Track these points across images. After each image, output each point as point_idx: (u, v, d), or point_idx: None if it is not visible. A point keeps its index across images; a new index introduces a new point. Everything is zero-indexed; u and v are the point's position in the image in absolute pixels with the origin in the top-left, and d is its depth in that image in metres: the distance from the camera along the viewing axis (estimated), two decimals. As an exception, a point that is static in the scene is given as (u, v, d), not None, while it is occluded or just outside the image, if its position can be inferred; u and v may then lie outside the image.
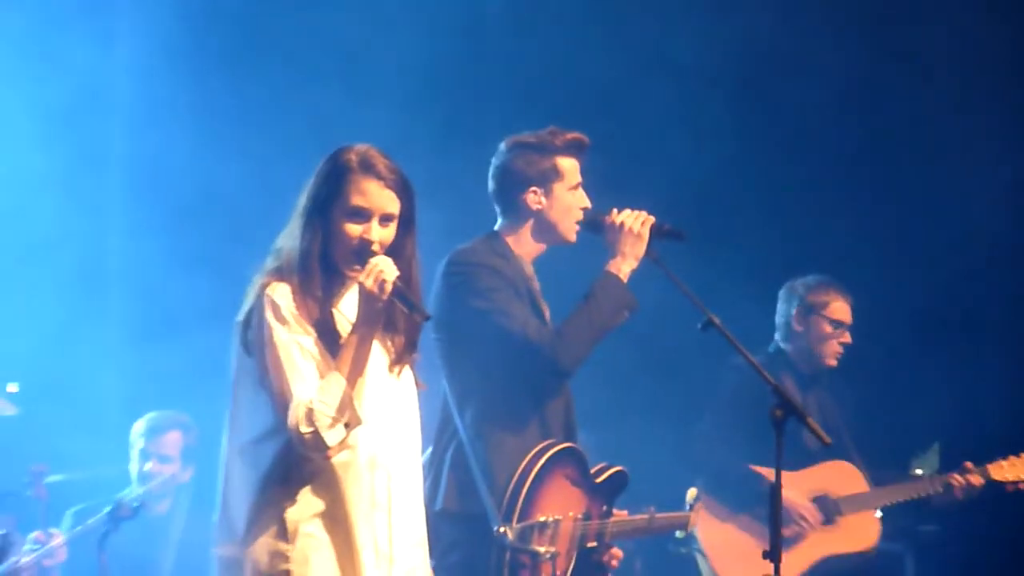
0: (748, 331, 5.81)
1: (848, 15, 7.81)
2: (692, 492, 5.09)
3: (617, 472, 4.71)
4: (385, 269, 3.53)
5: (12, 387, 7.34)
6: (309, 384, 3.56)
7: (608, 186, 5.68)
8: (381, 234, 3.61)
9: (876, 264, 7.61)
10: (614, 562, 4.66)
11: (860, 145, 7.93)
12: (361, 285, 3.57)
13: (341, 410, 3.52)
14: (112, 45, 7.76)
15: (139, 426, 6.75)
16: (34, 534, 6.17)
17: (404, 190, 3.67)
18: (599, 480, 4.64)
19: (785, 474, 5.39)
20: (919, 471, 6.21)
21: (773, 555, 4.13)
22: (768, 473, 5.28)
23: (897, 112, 7.82)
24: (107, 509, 6.09)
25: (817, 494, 5.86)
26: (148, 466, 6.41)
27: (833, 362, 6.01)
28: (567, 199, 4.73)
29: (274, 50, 7.78)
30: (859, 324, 6.59)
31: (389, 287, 3.51)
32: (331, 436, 3.52)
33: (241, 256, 3.89)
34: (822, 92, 7.70)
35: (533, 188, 4.69)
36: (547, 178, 4.72)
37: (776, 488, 4.18)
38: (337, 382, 3.52)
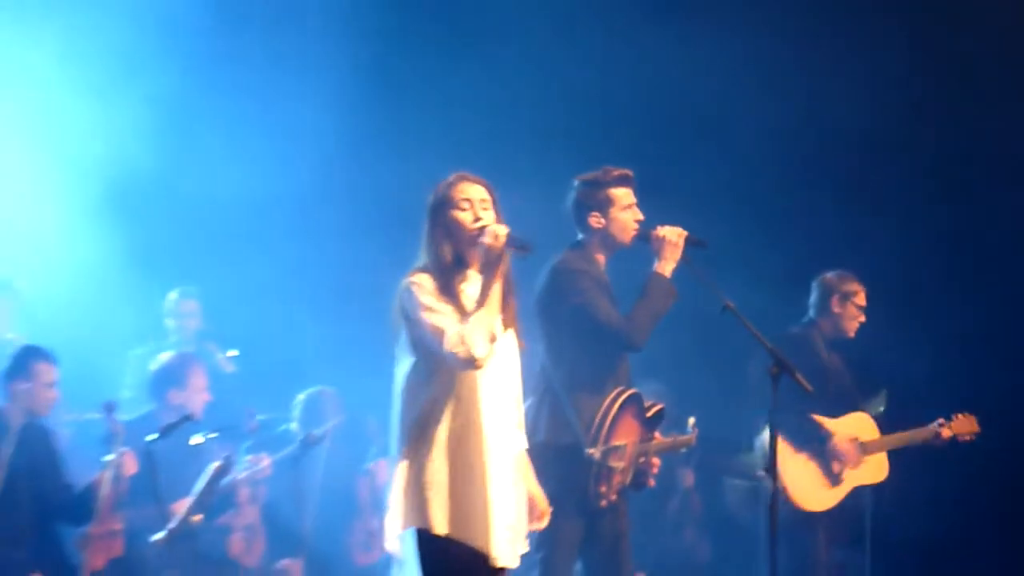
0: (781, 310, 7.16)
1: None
2: (691, 420, 6.04)
3: (660, 408, 5.73)
4: (499, 229, 4.37)
5: (232, 352, 8.64)
6: (454, 322, 4.31)
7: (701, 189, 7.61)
8: (486, 216, 4.43)
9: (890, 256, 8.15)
10: (654, 469, 5.71)
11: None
12: (482, 244, 4.36)
13: (485, 329, 4.33)
14: (304, 80, 8.65)
15: (301, 399, 7.99)
16: (248, 457, 7.29)
17: (489, 186, 4.54)
18: (649, 415, 5.63)
19: (827, 421, 6.76)
20: (870, 411, 7.02)
21: (771, 472, 5.36)
22: (823, 421, 6.70)
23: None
24: (300, 438, 7.33)
25: (849, 438, 6.77)
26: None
27: (852, 334, 6.87)
28: (621, 218, 5.63)
29: (424, 94, 8.66)
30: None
31: (504, 238, 4.34)
32: (479, 350, 4.30)
33: (401, 251, 4.68)
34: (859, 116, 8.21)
35: (593, 213, 5.63)
36: (603, 205, 5.66)
37: (772, 428, 5.38)
38: (478, 312, 4.34)
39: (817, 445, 6.78)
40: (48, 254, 8.34)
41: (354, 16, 8.59)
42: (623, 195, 5.64)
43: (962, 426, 7.03)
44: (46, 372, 6.47)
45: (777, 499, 5.56)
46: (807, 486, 6.80)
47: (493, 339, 4.38)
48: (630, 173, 5.72)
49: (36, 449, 6.53)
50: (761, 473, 6.64)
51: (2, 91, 8.34)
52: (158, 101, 8.29)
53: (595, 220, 5.61)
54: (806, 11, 8.33)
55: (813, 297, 7.02)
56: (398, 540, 4.50)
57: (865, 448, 6.81)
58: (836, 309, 6.89)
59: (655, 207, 5.87)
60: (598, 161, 5.93)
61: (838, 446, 6.80)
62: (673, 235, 5.57)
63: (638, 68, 8.44)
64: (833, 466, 6.77)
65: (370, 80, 8.74)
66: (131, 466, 6.59)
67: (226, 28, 8.62)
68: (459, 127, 8.44)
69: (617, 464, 5.52)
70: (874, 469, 6.87)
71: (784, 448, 6.68)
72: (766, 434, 6.36)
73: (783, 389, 5.76)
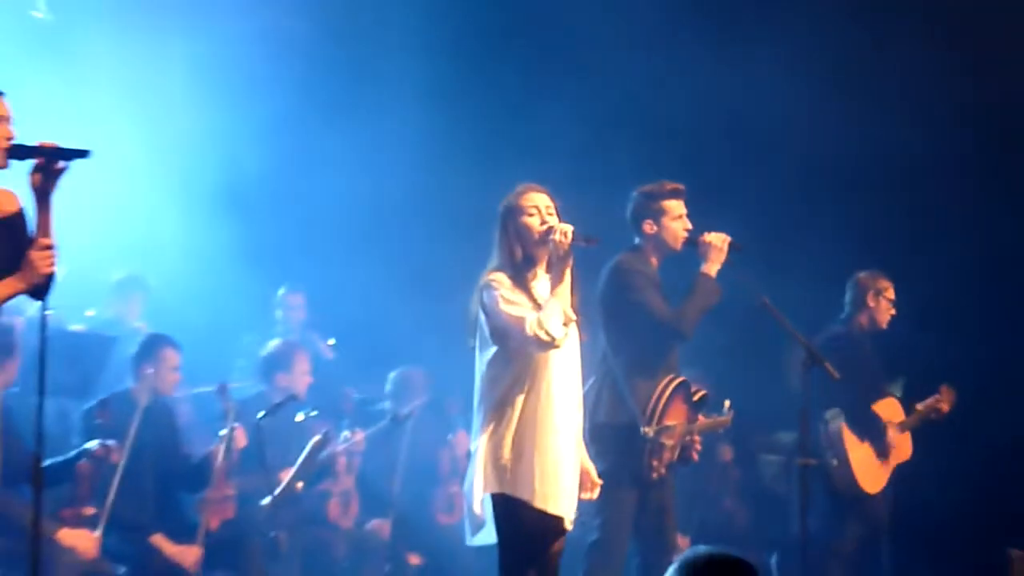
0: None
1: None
2: (727, 403, 6.32)
3: (704, 393, 6.05)
4: (565, 227, 4.72)
5: (331, 341, 9.02)
6: (531, 311, 4.66)
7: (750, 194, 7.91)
8: (552, 220, 4.77)
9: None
10: (697, 446, 6.02)
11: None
12: (552, 241, 4.69)
13: (560, 313, 4.68)
14: (396, 96, 8.92)
15: (392, 376, 8.20)
16: (345, 432, 7.58)
17: (551, 195, 4.85)
18: (695, 399, 5.97)
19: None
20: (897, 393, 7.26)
21: (804, 453, 5.82)
22: (879, 409, 7.00)
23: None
24: (390, 415, 7.62)
25: (887, 421, 7.05)
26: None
27: (885, 326, 7.15)
28: (672, 226, 5.92)
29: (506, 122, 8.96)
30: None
31: (571, 235, 4.69)
32: (557, 331, 4.66)
33: (477, 250, 5.03)
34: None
35: (648, 220, 5.93)
36: (657, 214, 5.95)
37: (804, 414, 5.85)
38: (551, 299, 4.67)
39: (876, 432, 7.03)
40: (172, 252, 8.49)
41: (438, 37, 8.83)
42: (675, 206, 5.95)
43: (948, 397, 7.26)
44: (171, 357, 6.64)
45: (807, 475, 5.96)
46: (868, 469, 7.04)
47: (567, 322, 4.71)
48: (682, 187, 6.03)
49: (160, 424, 6.66)
50: (834, 462, 6.97)
51: (133, 99, 8.45)
52: (269, 112, 8.60)
53: (649, 227, 5.92)
54: (856, 28, 8.42)
55: (849, 295, 7.26)
56: (481, 504, 4.83)
57: (899, 429, 7.08)
58: (871, 303, 7.12)
59: (709, 212, 6.12)
60: (660, 171, 6.19)
61: (890, 432, 7.03)
62: (718, 240, 5.88)
63: (698, 85, 8.55)
64: (886, 450, 7.05)
65: (452, 96, 8.93)
66: (242, 440, 6.78)
67: (330, 48, 8.94)
68: (530, 138, 8.63)
69: (668, 442, 5.80)
70: (903, 449, 7.14)
71: (850, 436, 7.01)
72: (834, 423, 7.00)
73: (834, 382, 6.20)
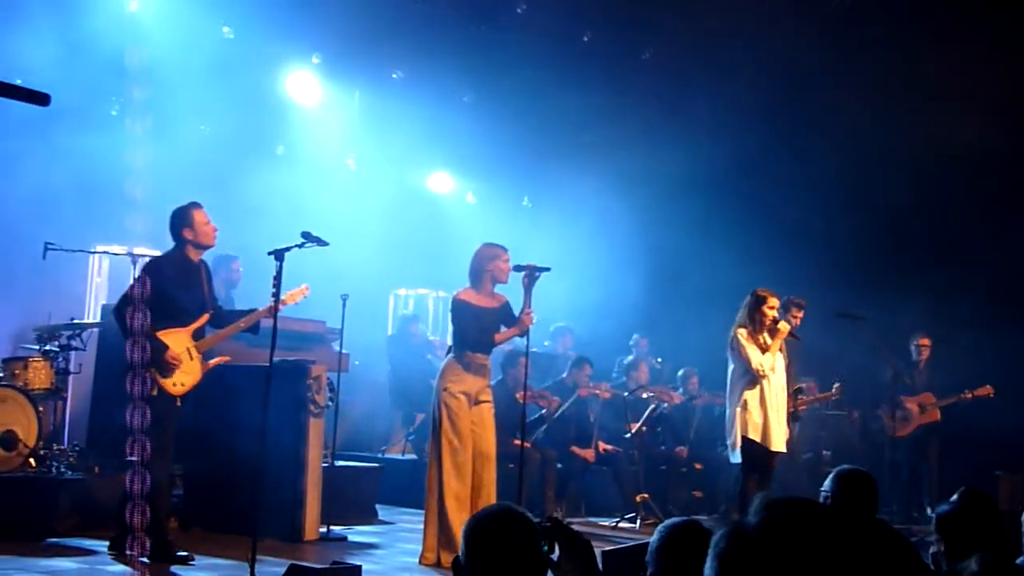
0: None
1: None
2: (836, 385, 9.24)
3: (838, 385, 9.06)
4: (783, 324, 7.14)
5: (659, 360, 11.35)
6: (758, 354, 7.08)
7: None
8: (777, 315, 7.36)
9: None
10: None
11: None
12: (776, 328, 7.09)
13: (770, 360, 7.06)
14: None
15: (680, 375, 10.53)
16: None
17: (779, 300, 7.28)
18: (833, 389, 9.13)
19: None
20: None
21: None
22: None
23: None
24: (687, 396, 10.47)
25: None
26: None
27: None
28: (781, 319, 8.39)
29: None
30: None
31: (785, 331, 7.15)
32: (767, 369, 7.03)
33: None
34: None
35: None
36: (789, 311, 8.23)
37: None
38: (768, 353, 6.97)
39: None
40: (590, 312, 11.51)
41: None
42: (799, 314, 8.58)
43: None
44: (587, 368, 9.90)
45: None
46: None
47: (772, 368, 7.41)
48: (803, 302, 8.67)
49: (577, 402, 9.77)
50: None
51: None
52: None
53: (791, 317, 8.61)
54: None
55: None
56: (736, 442, 7.34)
57: None
58: None
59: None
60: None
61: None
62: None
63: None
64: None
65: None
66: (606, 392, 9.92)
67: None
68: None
69: (801, 407, 8.79)
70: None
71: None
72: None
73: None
